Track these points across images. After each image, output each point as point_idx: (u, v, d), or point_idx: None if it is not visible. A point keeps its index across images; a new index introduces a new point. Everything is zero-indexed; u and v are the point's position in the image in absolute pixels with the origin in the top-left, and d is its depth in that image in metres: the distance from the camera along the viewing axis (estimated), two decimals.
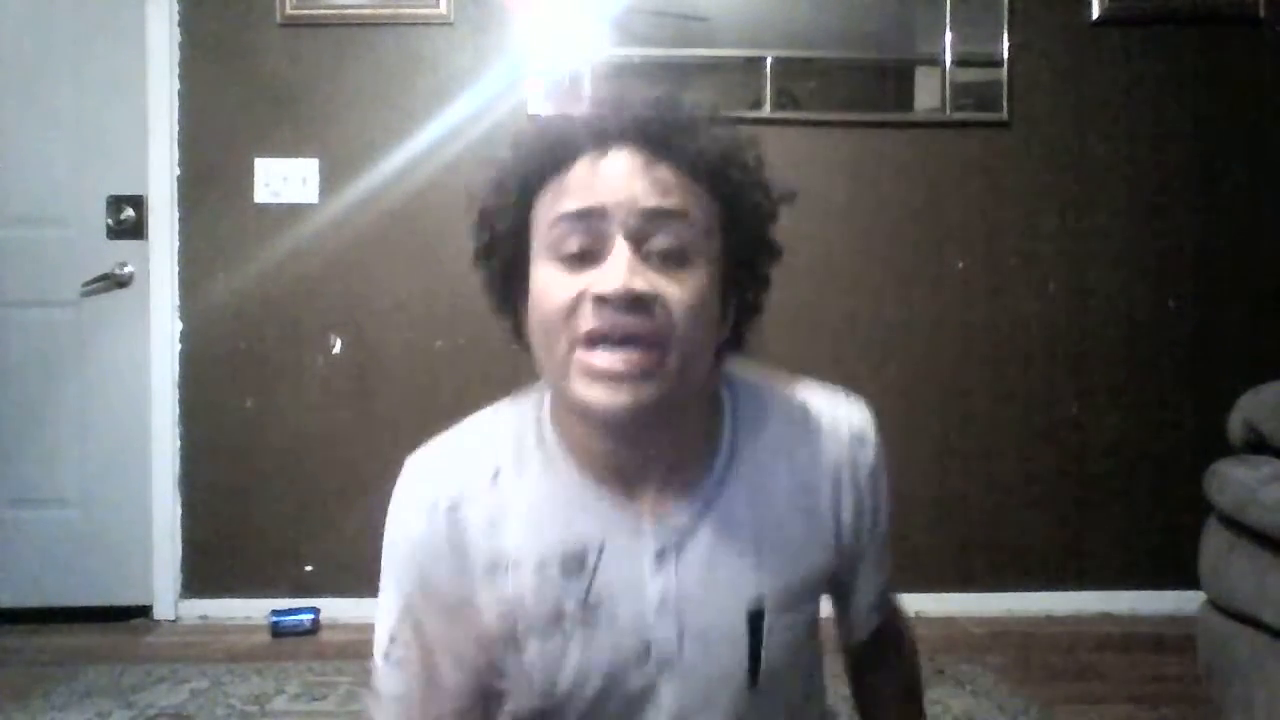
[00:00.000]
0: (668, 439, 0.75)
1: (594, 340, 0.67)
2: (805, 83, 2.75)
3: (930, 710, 2.03)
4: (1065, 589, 2.74)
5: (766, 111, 2.69)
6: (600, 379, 0.67)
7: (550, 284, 0.70)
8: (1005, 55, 2.71)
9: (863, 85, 2.79)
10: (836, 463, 0.80)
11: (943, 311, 2.74)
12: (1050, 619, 2.69)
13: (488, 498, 0.77)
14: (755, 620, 0.76)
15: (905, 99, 2.79)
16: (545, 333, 0.70)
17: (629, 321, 0.66)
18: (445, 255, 2.69)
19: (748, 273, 0.76)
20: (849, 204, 2.73)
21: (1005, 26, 2.70)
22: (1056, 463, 2.75)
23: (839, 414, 0.83)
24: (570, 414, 0.75)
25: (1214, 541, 1.59)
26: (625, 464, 0.76)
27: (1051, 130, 2.74)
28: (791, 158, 2.68)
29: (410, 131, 2.68)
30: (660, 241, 0.68)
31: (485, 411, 0.84)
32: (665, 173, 0.69)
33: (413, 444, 0.87)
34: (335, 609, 2.65)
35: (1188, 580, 1.74)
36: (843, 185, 2.72)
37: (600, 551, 0.75)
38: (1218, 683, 1.58)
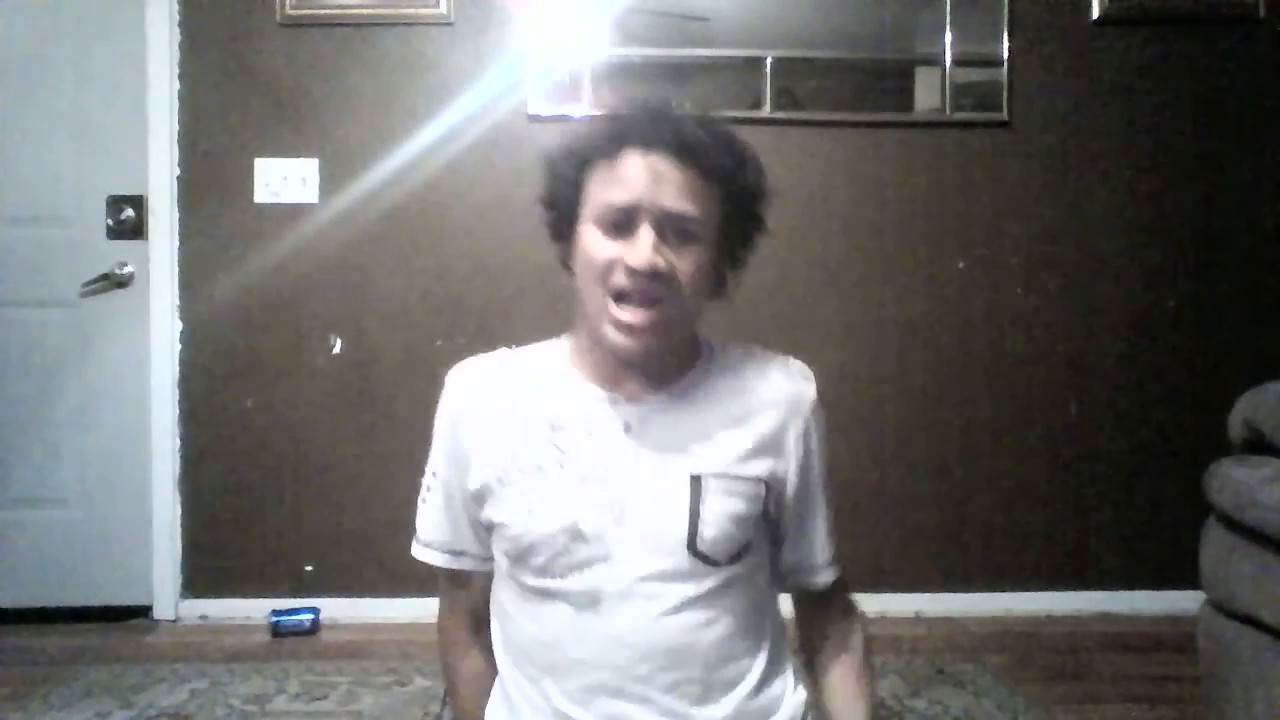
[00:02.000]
0: (649, 367, 0.98)
1: (622, 296, 0.91)
2: (805, 83, 2.75)
3: (930, 710, 2.04)
4: (1065, 589, 2.74)
5: (766, 111, 2.69)
6: (624, 329, 0.92)
7: (594, 244, 0.93)
8: (1005, 55, 2.71)
9: (863, 85, 2.79)
10: (785, 394, 1.01)
11: (943, 311, 2.74)
12: (1050, 619, 2.69)
13: (497, 375, 1.03)
14: (696, 485, 0.95)
15: (905, 99, 2.79)
16: (586, 279, 0.94)
17: (650, 287, 0.91)
18: (445, 255, 2.69)
19: (740, 243, 1.00)
20: (849, 204, 2.73)
21: (1005, 26, 2.70)
22: (1056, 462, 2.75)
23: (790, 363, 1.05)
24: (590, 338, 0.98)
25: (1214, 541, 1.58)
26: (615, 368, 0.98)
27: (1051, 130, 2.74)
28: (791, 158, 2.69)
29: (410, 131, 2.68)
30: (676, 229, 0.92)
31: None
32: (688, 178, 0.91)
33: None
34: (335, 609, 2.65)
35: (1188, 580, 1.74)
36: (843, 185, 2.72)
37: (582, 419, 0.98)
38: (1218, 683, 1.58)
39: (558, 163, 0.99)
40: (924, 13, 2.72)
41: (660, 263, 0.90)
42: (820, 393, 1.03)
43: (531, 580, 0.96)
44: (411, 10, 2.67)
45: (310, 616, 2.59)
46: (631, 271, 0.90)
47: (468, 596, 1.11)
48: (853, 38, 2.72)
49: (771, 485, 0.99)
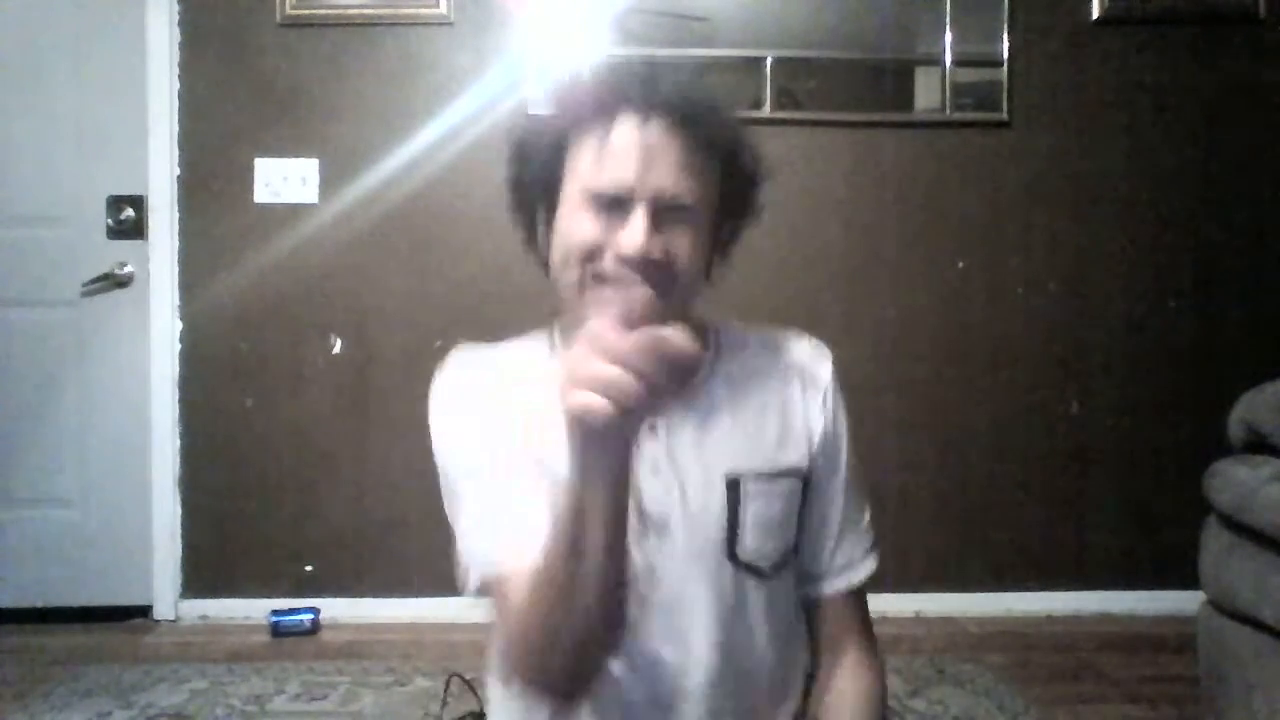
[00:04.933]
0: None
1: (605, 283, 0.81)
2: (805, 83, 2.75)
3: (930, 710, 2.04)
4: (1065, 589, 2.74)
5: (766, 111, 2.69)
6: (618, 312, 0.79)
7: (577, 224, 0.82)
8: (1005, 55, 2.71)
9: (863, 85, 2.79)
10: (802, 373, 0.94)
11: (943, 311, 2.74)
12: (1050, 619, 2.69)
13: (512, 368, 0.93)
14: (733, 488, 0.86)
15: (905, 99, 2.79)
16: (564, 262, 0.83)
17: (642, 275, 0.80)
18: (445, 255, 2.69)
19: (734, 224, 0.90)
20: (849, 204, 2.73)
21: (1005, 26, 2.70)
22: (1056, 462, 2.75)
23: (802, 341, 0.98)
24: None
25: (1214, 541, 1.59)
26: None
27: (1051, 130, 2.74)
28: (791, 158, 2.69)
29: (410, 131, 2.68)
30: (672, 209, 0.81)
31: None
32: (688, 151, 0.80)
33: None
34: (335, 609, 2.65)
35: (1188, 580, 1.74)
36: (843, 185, 2.72)
37: None
38: (1218, 683, 1.58)
39: (531, 140, 0.88)
40: (924, 13, 2.72)
41: (654, 248, 0.79)
42: (836, 365, 0.97)
43: None
44: (411, 10, 2.67)
45: (310, 616, 2.59)
46: (622, 258, 0.80)
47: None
48: (853, 38, 2.72)
49: (805, 474, 0.91)
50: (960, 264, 2.74)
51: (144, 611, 2.70)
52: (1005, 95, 2.71)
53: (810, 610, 0.95)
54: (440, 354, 1.00)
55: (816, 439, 0.92)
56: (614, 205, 0.80)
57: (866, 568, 0.95)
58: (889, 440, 2.70)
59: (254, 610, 2.65)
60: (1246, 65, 2.74)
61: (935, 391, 2.73)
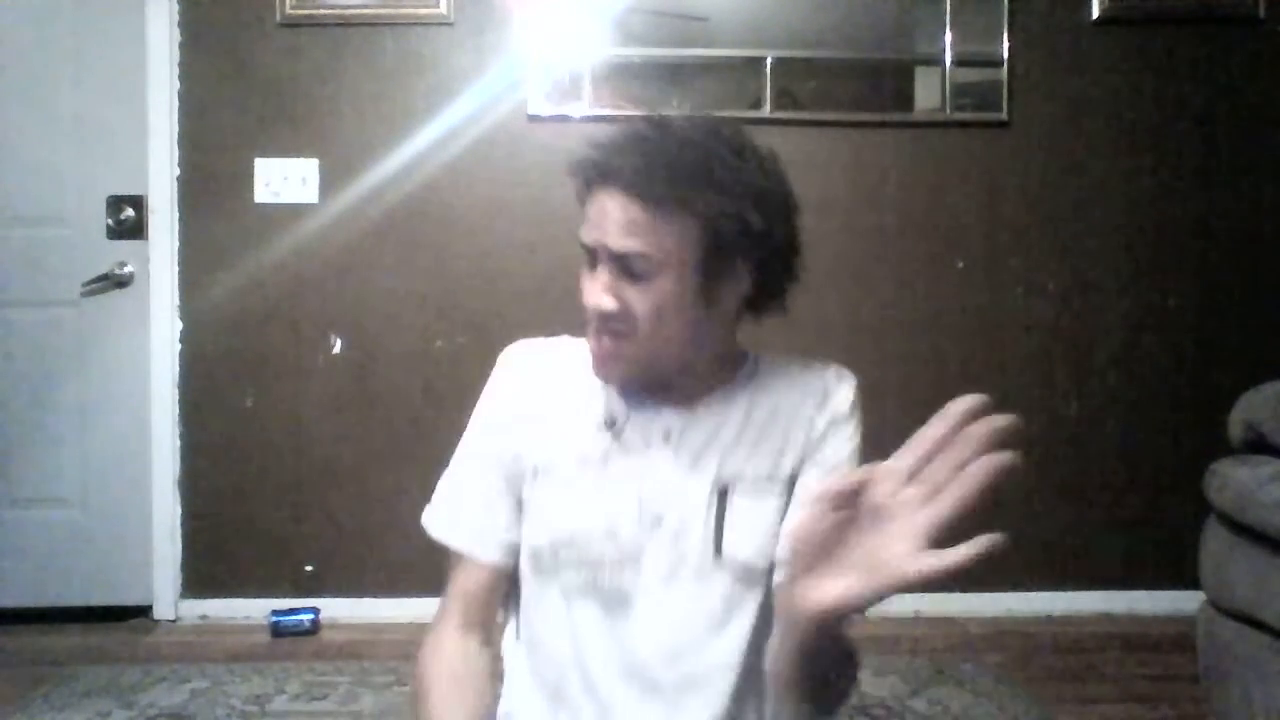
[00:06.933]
0: (678, 383, 0.98)
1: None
2: (805, 83, 2.75)
3: (930, 710, 2.04)
4: (1065, 589, 2.74)
5: (766, 111, 2.69)
6: (594, 358, 0.95)
7: (582, 271, 0.95)
8: (1005, 55, 2.71)
9: (863, 85, 2.79)
10: (817, 393, 1.00)
11: (943, 311, 2.74)
12: (1050, 619, 2.69)
13: (558, 359, 1.03)
14: (723, 494, 0.95)
15: (905, 99, 2.79)
16: None
17: (605, 325, 0.92)
18: (445, 255, 2.69)
19: (731, 267, 0.93)
20: (849, 204, 2.72)
21: (1005, 26, 2.70)
22: (1056, 463, 2.75)
23: (829, 366, 1.04)
24: None
25: (1214, 541, 1.59)
26: (649, 391, 0.99)
27: (1051, 130, 2.74)
28: (791, 158, 2.66)
29: (410, 131, 2.68)
30: (630, 265, 0.90)
31: None
32: (640, 215, 0.88)
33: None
34: (335, 609, 2.65)
35: (1188, 580, 1.74)
36: (843, 185, 2.72)
37: (627, 419, 0.98)
38: (1218, 683, 1.58)
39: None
40: (924, 13, 2.72)
41: (604, 303, 0.90)
42: (858, 397, 1.02)
43: (562, 576, 0.96)
44: (411, 10, 2.67)
45: (310, 616, 2.59)
46: (585, 308, 0.93)
47: (472, 597, 1.03)
48: (853, 38, 2.72)
49: (794, 483, 0.97)
50: (960, 264, 2.74)
51: (144, 611, 2.70)
52: (1005, 95, 2.71)
53: None
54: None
55: (816, 440, 0.98)
56: (592, 261, 0.93)
57: None
58: (889, 440, 2.69)
59: (254, 610, 2.65)
60: (1246, 65, 2.74)
61: (935, 391, 2.71)
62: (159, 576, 2.70)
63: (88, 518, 2.70)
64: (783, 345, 1.07)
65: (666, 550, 0.94)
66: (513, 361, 1.05)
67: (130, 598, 2.70)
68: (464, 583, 1.02)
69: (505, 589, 1.03)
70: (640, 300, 0.90)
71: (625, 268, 0.90)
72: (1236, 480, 1.51)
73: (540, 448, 0.98)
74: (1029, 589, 2.74)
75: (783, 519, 0.95)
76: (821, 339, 2.69)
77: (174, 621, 2.69)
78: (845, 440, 1.00)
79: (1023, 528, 2.75)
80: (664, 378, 0.97)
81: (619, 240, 0.89)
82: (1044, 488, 2.75)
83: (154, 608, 2.70)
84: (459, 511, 1.02)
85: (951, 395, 0.67)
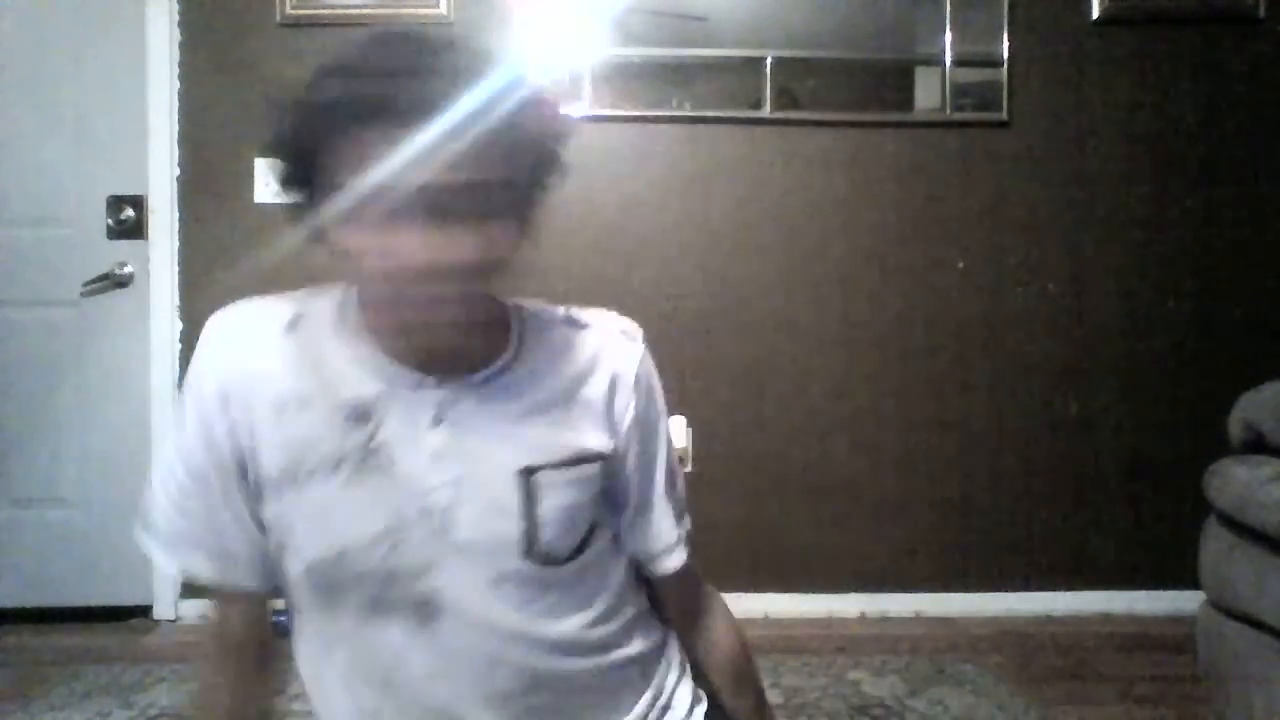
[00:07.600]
0: (446, 348, 0.82)
1: None
2: (805, 83, 2.75)
3: (930, 710, 2.04)
4: (1065, 589, 2.74)
5: (766, 111, 2.69)
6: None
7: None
8: (1005, 55, 2.71)
9: (863, 85, 2.79)
10: (608, 356, 0.88)
11: (943, 311, 2.74)
12: (1050, 619, 2.69)
13: (281, 342, 0.84)
14: (527, 480, 0.81)
15: (905, 99, 2.79)
16: None
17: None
18: None
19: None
20: (849, 204, 2.72)
21: (1005, 26, 2.70)
22: (1056, 463, 2.75)
23: (609, 320, 0.92)
24: (379, 301, 0.82)
25: (1214, 541, 1.59)
26: (418, 347, 0.81)
27: (1051, 130, 2.74)
28: (791, 158, 2.69)
29: None
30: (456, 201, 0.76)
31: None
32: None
33: None
34: None
35: (1188, 580, 1.74)
36: (843, 185, 2.72)
37: (384, 406, 0.81)
38: (1218, 683, 1.58)
39: None
40: (924, 13, 2.72)
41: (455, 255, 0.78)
42: (647, 348, 0.91)
43: (350, 600, 0.84)
44: (411, 10, 2.67)
45: None
46: None
47: (232, 617, 0.99)
48: (853, 38, 2.72)
49: (607, 458, 0.87)
50: (960, 264, 2.74)
51: (144, 611, 2.70)
52: (1005, 95, 2.71)
53: (654, 588, 0.97)
54: None
55: (626, 424, 0.88)
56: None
57: (688, 542, 0.96)
58: (889, 440, 2.70)
59: None
60: (1246, 65, 2.74)
61: (935, 391, 2.72)
62: (159, 576, 2.70)
63: (88, 518, 2.70)
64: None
65: (465, 555, 0.81)
66: (222, 339, 0.85)
67: (130, 598, 2.70)
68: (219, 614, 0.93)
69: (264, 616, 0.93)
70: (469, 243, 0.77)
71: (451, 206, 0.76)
72: (1236, 480, 1.51)
73: (278, 453, 0.81)
74: (1029, 589, 2.74)
75: (589, 498, 0.86)
76: (820, 338, 2.70)
77: (174, 621, 2.68)
78: (657, 405, 0.91)
79: (1023, 528, 2.75)
80: (434, 341, 0.81)
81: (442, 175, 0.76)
82: (1044, 487, 2.75)
83: (154, 608, 2.70)
84: (183, 531, 0.87)
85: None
